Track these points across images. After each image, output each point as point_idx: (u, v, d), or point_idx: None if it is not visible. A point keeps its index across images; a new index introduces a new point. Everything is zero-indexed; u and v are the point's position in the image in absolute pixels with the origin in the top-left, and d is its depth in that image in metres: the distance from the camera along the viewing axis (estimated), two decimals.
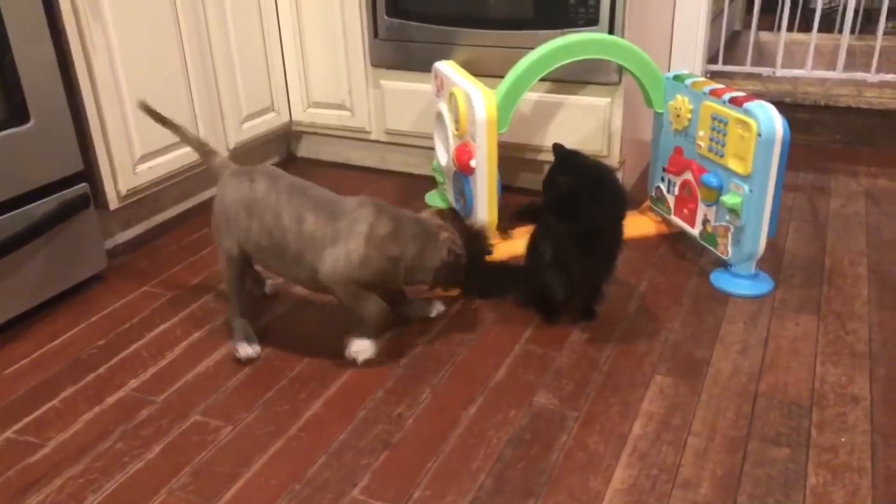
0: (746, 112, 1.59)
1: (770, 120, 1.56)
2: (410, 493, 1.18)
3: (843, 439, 1.26)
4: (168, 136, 1.98)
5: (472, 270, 1.55)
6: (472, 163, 1.82)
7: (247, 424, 1.35)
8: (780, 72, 2.61)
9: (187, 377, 1.49)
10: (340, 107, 2.38)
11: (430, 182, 2.28)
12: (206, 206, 2.24)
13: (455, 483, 1.20)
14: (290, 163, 2.58)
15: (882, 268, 1.78)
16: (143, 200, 2.03)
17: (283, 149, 2.59)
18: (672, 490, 1.17)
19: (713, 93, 1.71)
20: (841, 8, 2.67)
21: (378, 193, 2.30)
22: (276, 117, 2.38)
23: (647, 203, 2.03)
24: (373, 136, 2.39)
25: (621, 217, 1.53)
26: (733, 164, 1.65)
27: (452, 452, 1.26)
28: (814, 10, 2.73)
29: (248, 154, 2.37)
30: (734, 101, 1.64)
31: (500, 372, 1.46)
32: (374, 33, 2.21)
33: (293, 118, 2.45)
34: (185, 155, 2.05)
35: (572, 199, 1.47)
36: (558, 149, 1.56)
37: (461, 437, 1.30)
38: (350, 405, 1.39)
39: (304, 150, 2.60)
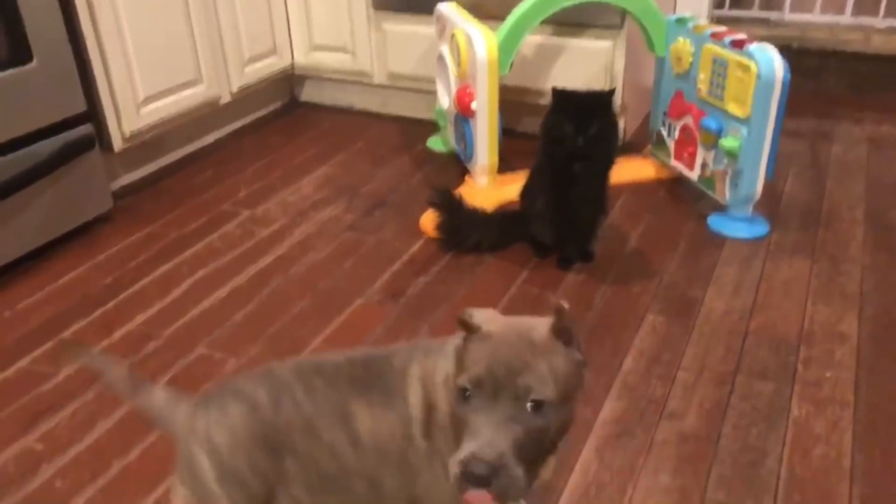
0: (747, 54, 1.59)
1: (770, 62, 1.56)
2: None
3: (828, 374, 1.29)
4: (172, 78, 2.00)
5: (459, 223, 1.57)
6: (473, 105, 1.82)
7: (249, 358, 1.39)
8: (789, 16, 2.58)
9: (192, 313, 1.53)
10: (342, 50, 2.37)
11: (431, 127, 2.29)
12: (212, 148, 2.26)
13: None
14: (294, 107, 2.58)
15: (879, 212, 1.80)
16: (148, 142, 2.05)
17: (287, 93, 2.59)
18: (659, 421, 1.21)
19: (714, 35, 1.70)
20: None
21: (379, 138, 2.32)
22: (279, 60, 2.38)
23: (649, 148, 2.04)
24: (375, 80, 2.39)
25: (613, 149, 1.54)
26: (732, 108, 1.65)
27: None
28: None
29: (251, 97, 2.38)
30: (735, 44, 1.63)
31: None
32: None
33: (295, 61, 2.44)
34: (190, 96, 2.06)
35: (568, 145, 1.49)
36: (556, 91, 1.56)
37: None
38: (349, 341, 1.43)
39: (307, 94, 2.60)
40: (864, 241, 1.68)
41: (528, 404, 0.70)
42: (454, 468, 0.69)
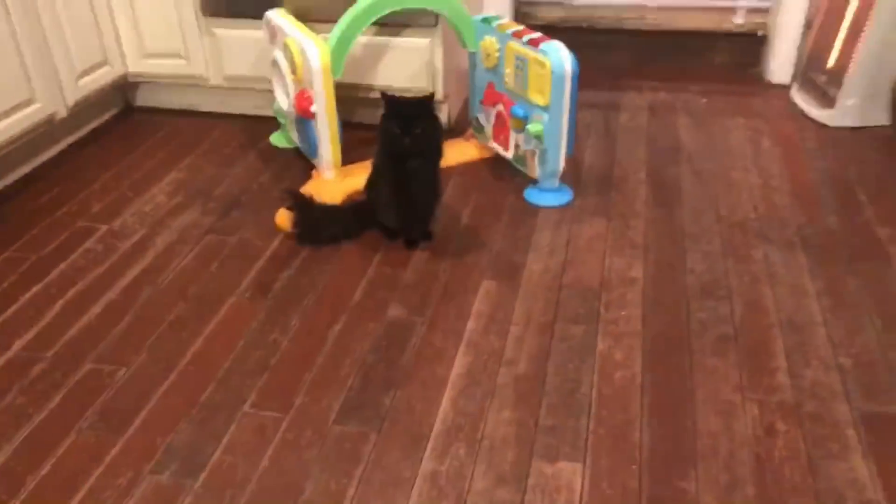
0: (542, 52, 1.89)
1: (560, 60, 1.87)
2: (293, 401, 1.44)
3: (623, 313, 1.64)
4: (5, 101, 2.01)
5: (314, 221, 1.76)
6: (313, 108, 2.01)
7: (138, 366, 1.54)
8: (578, 0, 2.95)
9: (71, 332, 1.63)
10: (175, 55, 2.44)
11: (273, 122, 2.43)
12: (53, 164, 2.28)
13: (329, 388, 1.47)
14: (130, 114, 2.62)
15: (656, 172, 2.20)
16: None
17: (121, 100, 2.62)
18: (499, 369, 1.51)
19: (515, 34, 1.99)
20: None
21: (223, 138, 2.43)
22: (112, 70, 2.41)
23: (470, 131, 2.32)
24: (211, 83, 2.49)
25: (440, 144, 1.80)
26: (535, 97, 1.95)
27: (324, 364, 1.53)
28: None
29: (86, 108, 2.40)
30: (532, 43, 1.93)
31: (358, 293, 1.73)
32: None
33: (129, 69, 2.48)
34: (25, 117, 2.08)
35: (400, 141, 1.72)
36: (385, 96, 1.77)
37: (329, 352, 1.56)
38: (229, 338, 1.60)
39: (142, 99, 2.64)
40: (646, 198, 2.07)
41: None
42: None
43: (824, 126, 2.43)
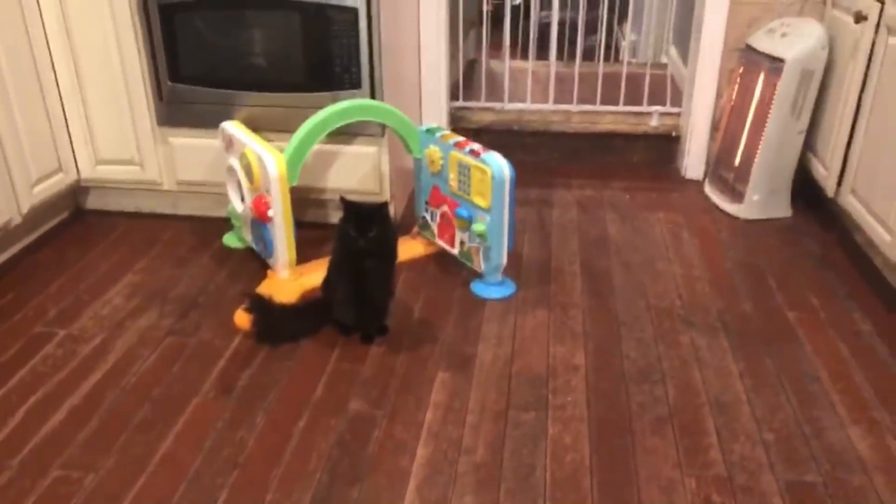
0: (483, 161, 2.08)
1: (500, 167, 2.06)
2: (264, 498, 1.50)
3: (569, 398, 1.78)
4: None
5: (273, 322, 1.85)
6: (270, 213, 2.13)
7: (107, 470, 1.57)
8: (508, 106, 3.21)
9: (36, 439, 1.65)
10: (129, 162, 2.53)
11: (225, 224, 2.53)
12: (4, 269, 2.30)
13: (297, 483, 1.53)
14: (81, 216, 2.67)
15: (589, 264, 2.39)
16: None
17: (72, 203, 2.68)
18: (459, 457, 1.61)
19: (457, 145, 2.18)
20: (554, 37, 3.31)
21: (176, 240, 2.51)
22: (66, 177, 2.48)
23: (416, 229, 2.48)
24: (164, 187, 2.58)
25: (394, 246, 1.94)
26: (477, 200, 2.13)
27: (291, 460, 1.59)
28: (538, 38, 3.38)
29: (39, 215, 2.45)
30: (473, 153, 2.12)
31: (319, 388, 1.81)
32: (159, 96, 2.41)
33: (82, 175, 2.55)
34: None
35: (358, 243, 1.86)
36: (344, 201, 1.92)
37: (296, 448, 1.63)
38: (197, 437, 1.65)
39: (93, 202, 2.70)
40: (581, 288, 2.24)
41: None
42: None
43: (735, 218, 2.70)
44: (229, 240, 2.50)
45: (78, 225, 2.62)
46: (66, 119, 2.45)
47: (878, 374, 1.85)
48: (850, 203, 2.33)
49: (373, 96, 2.32)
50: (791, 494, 1.50)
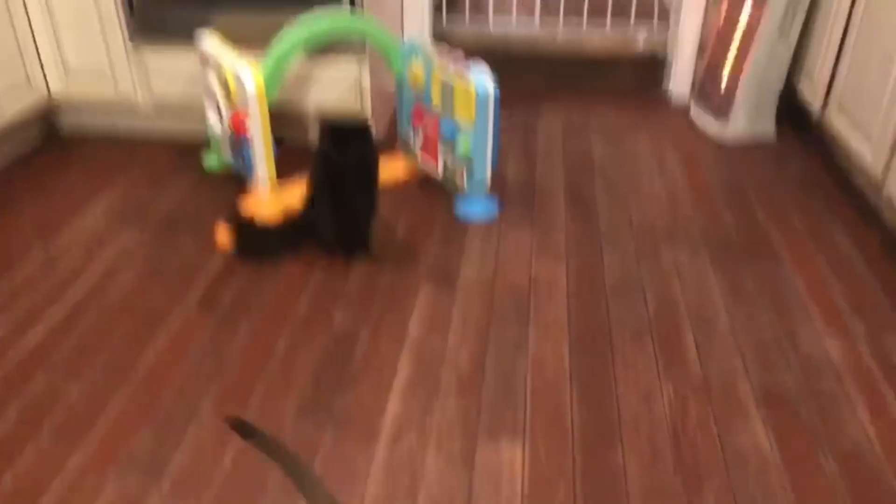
0: (467, 78, 2.04)
1: (483, 84, 2.02)
2: (248, 404, 1.51)
3: (549, 311, 1.80)
4: None
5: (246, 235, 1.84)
6: (248, 129, 2.09)
7: (90, 381, 1.57)
8: (493, 26, 3.14)
9: (19, 350, 1.65)
10: (101, 77, 2.46)
11: (205, 146, 2.49)
12: None
13: (281, 393, 1.55)
14: (57, 138, 2.61)
15: (573, 185, 2.38)
16: None
17: (46, 125, 2.61)
18: (442, 368, 1.62)
19: (441, 59, 2.13)
20: None
21: (155, 160, 2.47)
22: (34, 93, 2.41)
23: (399, 149, 2.45)
24: (141, 107, 2.52)
25: (375, 162, 1.92)
26: (460, 117, 2.10)
27: (275, 373, 1.60)
28: None
29: (10, 135, 2.39)
30: (458, 68, 2.08)
31: (302, 305, 1.81)
32: (130, 9, 2.32)
33: (52, 92, 2.48)
34: None
35: (337, 163, 1.83)
36: (323, 122, 1.88)
37: (280, 361, 1.64)
38: (180, 351, 1.66)
39: (68, 123, 2.64)
40: (565, 209, 2.24)
41: None
42: None
43: (721, 145, 2.69)
44: (209, 158, 2.46)
45: (55, 146, 2.56)
46: (33, 35, 2.37)
47: (855, 287, 1.88)
48: (836, 120, 2.32)
49: (352, 4, 2.26)
50: (766, 401, 1.53)
